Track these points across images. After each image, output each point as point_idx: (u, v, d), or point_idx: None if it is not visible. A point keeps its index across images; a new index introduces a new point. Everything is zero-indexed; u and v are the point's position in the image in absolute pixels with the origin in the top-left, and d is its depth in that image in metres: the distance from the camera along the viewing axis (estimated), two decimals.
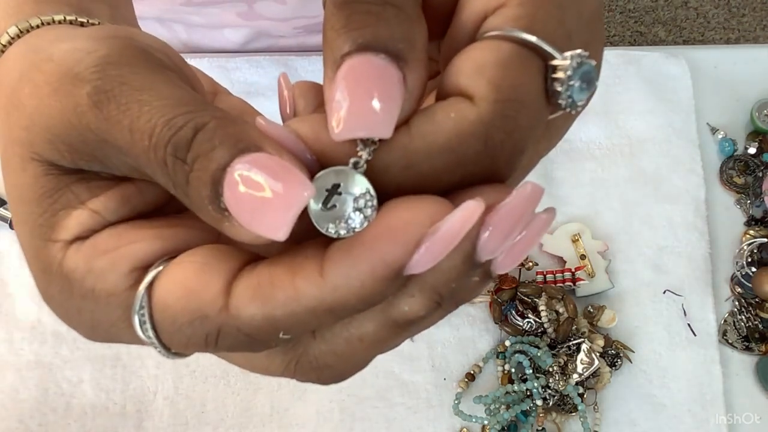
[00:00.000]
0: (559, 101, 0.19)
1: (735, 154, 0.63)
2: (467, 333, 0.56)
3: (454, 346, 0.56)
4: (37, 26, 0.23)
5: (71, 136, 0.19)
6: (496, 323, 0.55)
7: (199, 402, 0.54)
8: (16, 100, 0.20)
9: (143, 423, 0.53)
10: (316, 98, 0.25)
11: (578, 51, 0.19)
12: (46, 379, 0.54)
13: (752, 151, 0.62)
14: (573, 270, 0.56)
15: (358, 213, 0.18)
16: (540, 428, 0.52)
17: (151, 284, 0.19)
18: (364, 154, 0.18)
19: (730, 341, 0.57)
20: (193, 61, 0.65)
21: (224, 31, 0.67)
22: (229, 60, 0.65)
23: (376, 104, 0.17)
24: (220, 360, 0.54)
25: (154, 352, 0.54)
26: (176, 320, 0.18)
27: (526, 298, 0.55)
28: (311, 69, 0.65)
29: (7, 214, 0.57)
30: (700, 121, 0.64)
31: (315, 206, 0.18)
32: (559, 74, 0.19)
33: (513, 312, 0.55)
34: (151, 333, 0.19)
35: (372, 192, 0.18)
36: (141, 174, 0.19)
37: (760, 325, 0.57)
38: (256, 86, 0.64)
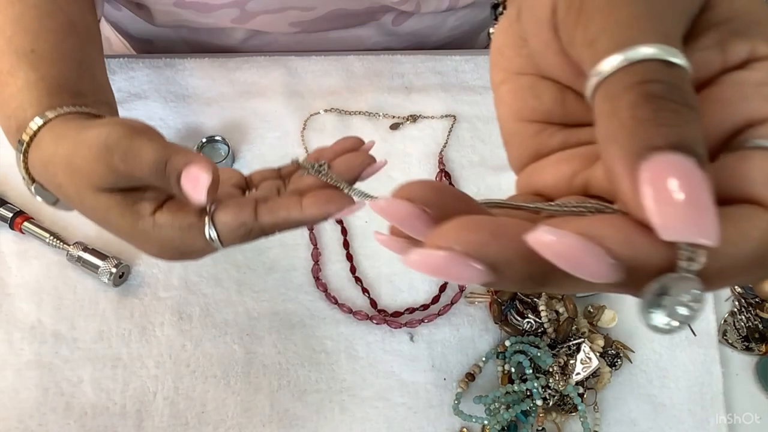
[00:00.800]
0: None
1: None
2: (467, 333, 0.56)
3: (454, 346, 0.56)
4: (55, 116, 0.39)
5: (111, 177, 0.35)
6: (496, 323, 0.55)
7: (199, 402, 0.54)
8: (73, 167, 0.36)
9: (143, 423, 0.53)
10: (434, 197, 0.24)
11: None
12: (46, 379, 0.54)
13: None
14: None
15: (685, 308, 0.19)
16: (540, 428, 0.52)
17: (211, 216, 0.36)
18: (695, 258, 0.19)
19: (730, 341, 0.57)
20: (195, 61, 0.65)
21: (225, 29, 0.68)
22: (229, 60, 0.65)
23: (706, 208, 0.18)
24: (220, 360, 0.54)
25: (154, 353, 0.54)
26: (231, 228, 0.36)
27: (526, 298, 0.55)
28: (311, 69, 0.65)
29: (8, 214, 0.57)
30: None
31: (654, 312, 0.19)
32: None
33: (513, 312, 0.55)
34: (214, 235, 0.36)
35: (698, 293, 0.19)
36: (151, 184, 0.36)
37: (760, 325, 0.57)
38: (256, 86, 0.64)
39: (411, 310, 0.56)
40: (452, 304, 0.56)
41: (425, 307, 0.56)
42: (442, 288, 0.57)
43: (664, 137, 0.18)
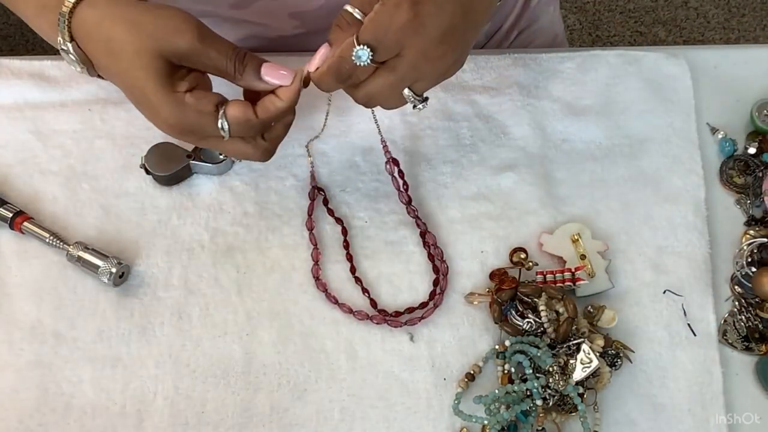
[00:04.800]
0: None
1: (735, 154, 0.63)
2: (467, 333, 0.56)
3: (454, 346, 0.56)
4: None
5: (183, 48, 0.45)
6: (496, 323, 0.55)
7: (199, 402, 0.54)
8: (142, 28, 0.45)
9: (143, 423, 0.53)
10: None
11: None
12: (46, 379, 0.54)
13: (752, 151, 0.62)
14: (573, 270, 0.56)
15: None
16: (540, 428, 0.52)
17: (224, 109, 0.47)
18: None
19: (730, 341, 0.57)
20: None
21: (224, 26, 0.68)
22: None
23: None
24: (220, 360, 0.54)
25: (154, 353, 0.54)
26: (239, 120, 0.47)
27: (526, 298, 0.55)
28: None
29: (8, 214, 0.57)
30: (700, 121, 0.64)
31: None
32: None
33: (513, 312, 0.55)
34: (226, 126, 0.47)
35: None
36: (207, 68, 0.47)
37: (760, 325, 0.57)
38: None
39: (410, 310, 0.56)
40: (442, 292, 0.56)
41: (424, 304, 0.56)
42: (435, 282, 0.57)
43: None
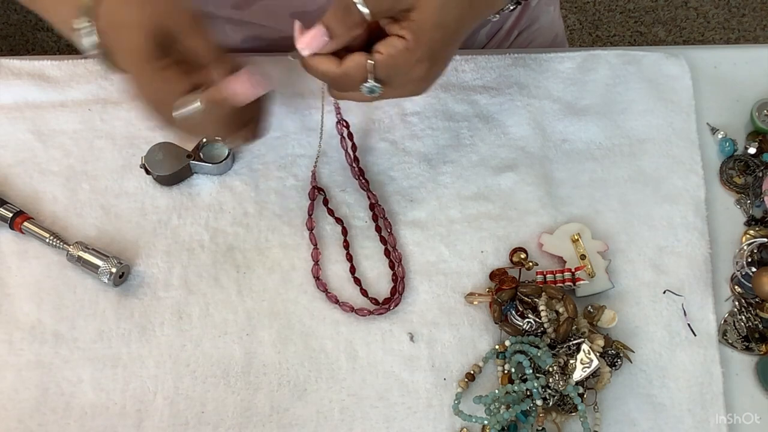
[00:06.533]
0: None
1: (735, 154, 0.63)
2: (467, 333, 0.56)
3: (454, 346, 0.56)
4: None
5: (181, 20, 0.47)
6: (496, 323, 0.55)
7: (199, 402, 0.54)
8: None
9: (143, 423, 0.53)
10: None
11: None
12: (46, 379, 0.54)
13: (752, 151, 0.62)
14: (573, 270, 0.56)
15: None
16: (540, 428, 0.52)
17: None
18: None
19: (730, 341, 0.57)
20: None
21: (226, 28, 0.68)
22: None
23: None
24: (220, 360, 0.54)
25: (154, 353, 0.54)
26: (215, 103, 0.47)
27: (526, 298, 0.55)
28: None
29: (8, 214, 0.57)
30: (700, 121, 0.64)
31: None
32: None
33: (513, 312, 0.55)
34: (198, 108, 0.46)
35: None
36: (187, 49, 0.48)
37: (760, 325, 0.57)
38: None
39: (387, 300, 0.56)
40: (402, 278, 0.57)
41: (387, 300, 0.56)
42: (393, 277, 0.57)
43: None
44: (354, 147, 0.60)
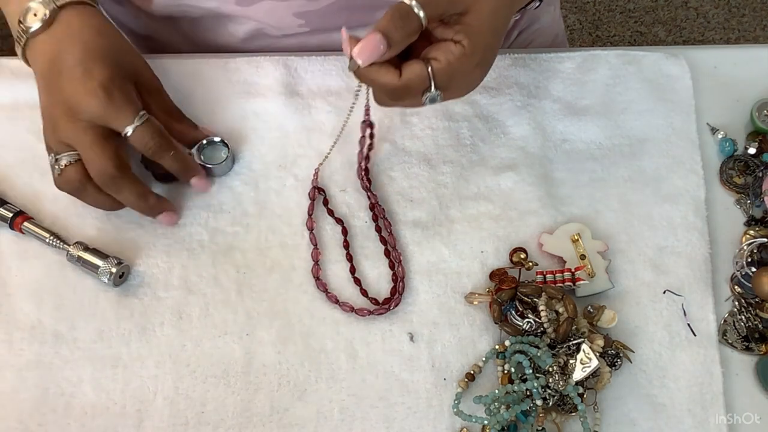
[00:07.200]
0: None
1: (735, 154, 0.63)
2: (467, 333, 0.56)
3: (454, 346, 0.56)
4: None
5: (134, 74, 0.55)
6: (496, 323, 0.55)
7: (199, 402, 0.54)
8: (99, 40, 0.53)
9: (143, 423, 0.53)
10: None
11: None
12: (46, 379, 0.54)
13: (752, 151, 0.62)
14: (573, 270, 0.56)
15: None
16: (540, 428, 0.52)
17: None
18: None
19: (730, 341, 0.57)
20: (195, 62, 0.65)
21: (228, 25, 0.67)
22: (228, 61, 0.65)
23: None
24: (220, 360, 0.54)
25: (154, 353, 0.54)
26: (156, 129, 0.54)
27: (526, 298, 0.55)
28: (311, 69, 0.65)
29: (8, 214, 0.57)
30: (700, 121, 0.64)
31: None
32: None
33: (513, 312, 0.55)
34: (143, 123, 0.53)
35: None
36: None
37: (760, 325, 0.57)
38: (256, 87, 0.64)
39: (387, 300, 0.56)
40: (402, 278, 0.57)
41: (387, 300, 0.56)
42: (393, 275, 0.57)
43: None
44: (371, 146, 0.60)
